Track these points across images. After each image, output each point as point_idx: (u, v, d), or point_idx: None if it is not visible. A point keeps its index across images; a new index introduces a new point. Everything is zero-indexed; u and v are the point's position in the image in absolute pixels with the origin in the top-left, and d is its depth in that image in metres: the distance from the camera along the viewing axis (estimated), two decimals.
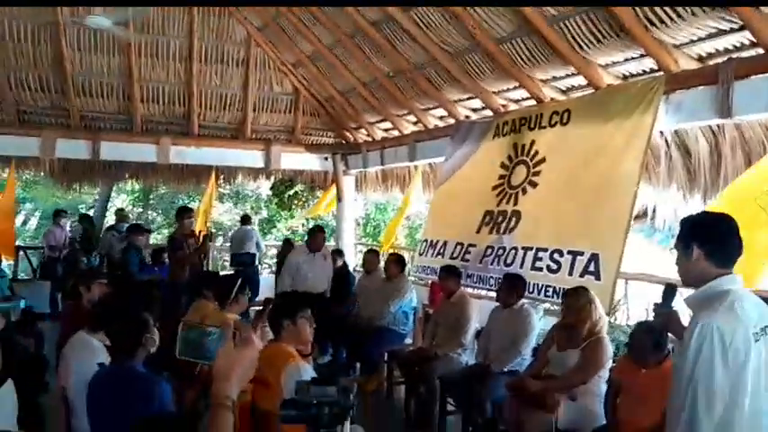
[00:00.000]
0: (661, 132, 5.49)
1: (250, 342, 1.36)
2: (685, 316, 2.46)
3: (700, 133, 5.48)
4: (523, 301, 4.65)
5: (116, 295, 3.77)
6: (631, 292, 6.32)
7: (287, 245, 8.98)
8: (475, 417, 4.47)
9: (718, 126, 5.28)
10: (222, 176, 10.76)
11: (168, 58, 9.07)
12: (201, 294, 4.40)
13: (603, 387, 3.76)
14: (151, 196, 17.88)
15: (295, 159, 10.35)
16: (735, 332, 1.96)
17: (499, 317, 4.66)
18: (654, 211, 8.40)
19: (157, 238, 17.59)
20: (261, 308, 4.19)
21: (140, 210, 18.00)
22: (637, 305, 5.98)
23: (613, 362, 3.92)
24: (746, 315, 2.01)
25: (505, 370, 4.37)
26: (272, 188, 11.59)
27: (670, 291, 2.40)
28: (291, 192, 11.34)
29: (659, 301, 2.43)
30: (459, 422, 4.66)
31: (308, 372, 2.92)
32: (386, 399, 5.37)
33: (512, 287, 4.65)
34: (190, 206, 8.70)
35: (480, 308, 5.18)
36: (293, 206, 11.92)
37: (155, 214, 18.53)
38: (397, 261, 6.14)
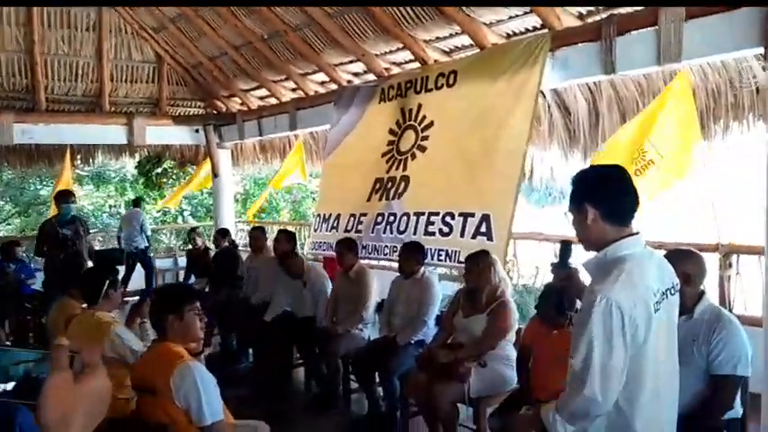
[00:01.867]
0: (542, 92, 5.54)
1: (96, 369, 0.91)
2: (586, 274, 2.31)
3: (579, 92, 5.59)
4: (424, 268, 4.49)
5: None
6: (520, 252, 6.44)
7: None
8: (377, 395, 4.29)
9: (595, 84, 5.42)
10: (79, 156, 9.67)
11: (2, 23, 7.84)
12: (67, 292, 3.81)
13: (512, 350, 3.70)
14: None
15: (162, 133, 9.45)
16: (635, 308, 1.80)
17: (401, 287, 4.48)
18: (531, 170, 8.65)
19: (8, 229, 15.76)
20: (137, 300, 3.71)
21: None
22: (526, 265, 6.09)
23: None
24: (646, 285, 1.87)
25: (412, 341, 4.20)
26: (137, 166, 10.63)
27: (566, 248, 2.26)
28: (159, 169, 10.47)
29: (556, 260, 2.31)
30: (363, 400, 4.46)
31: (201, 372, 2.53)
32: (284, 382, 5.04)
33: (410, 255, 4.47)
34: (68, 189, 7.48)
35: (380, 279, 4.98)
36: (162, 185, 11.05)
37: (1, 202, 16.50)
38: (288, 238, 5.76)
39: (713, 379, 2.55)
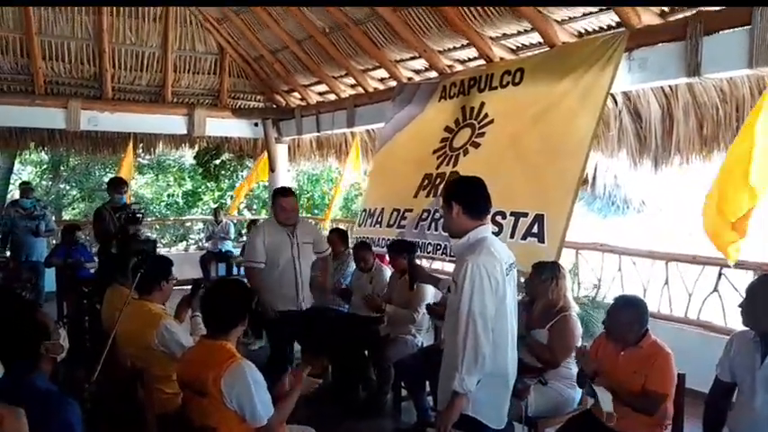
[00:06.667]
0: (612, 96, 5.23)
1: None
2: None
3: (652, 97, 5.26)
4: None
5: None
6: (581, 263, 6.13)
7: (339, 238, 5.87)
8: (426, 404, 4.13)
9: (671, 89, 5.08)
10: (141, 145, 9.85)
11: (72, 10, 8.02)
12: (116, 280, 3.80)
13: (575, 368, 3.45)
14: (62, 167, 16.44)
15: (221, 125, 9.57)
16: (495, 267, 2.47)
17: None
18: (594, 177, 8.25)
19: (73, 213, 16.34)
20: (190, 291, 3.64)
21: (50, 183, 16.52)
22: (588, 276, 5.78)
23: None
24: (500, 254, 2.55)
25: None
26: (195, 157, 10.77)
27: (412, 247, 3.41)
28: (218, 161, 10.55)
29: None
30: (412, 409, 4.29)
31: (253, 372, 2.44)
32: (331, 385, 4.92)
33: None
34: (120, 177, 7.49)
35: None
36: (220, 177, 11.16)
37: (68, 187, 17.10)
38: (340, 236, 5.64)
39: None
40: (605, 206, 12.25)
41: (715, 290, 4.92)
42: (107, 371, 2.97)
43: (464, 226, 2.59)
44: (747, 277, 4.65)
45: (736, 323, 4.75)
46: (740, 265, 4.70)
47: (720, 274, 4.87)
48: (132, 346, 3.16)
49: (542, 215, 4.51)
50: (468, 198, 2.61)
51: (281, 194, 4.52)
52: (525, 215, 4.61)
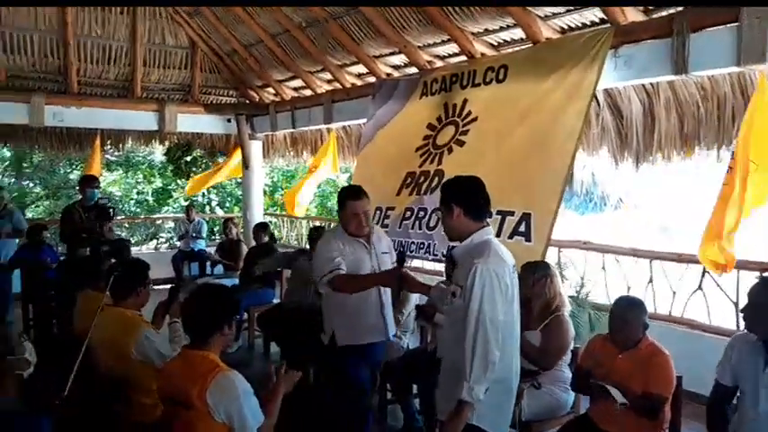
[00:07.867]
0: (594, 95, 5.19)
1: None
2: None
3: (633, 94, 5.24)
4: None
5: None
6: (563, 261, 6.10)
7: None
8: (413, 408, 4.04)
9: (652, 86, 5.06)
10: (109, 141, 9.53)
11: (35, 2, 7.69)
12: (88, 284, 3.60)
13: (568, 372, 3.39)
14: (24, 164, 15.88)
15: (193, 121, 9.29)
16: (504, 272, 2.42)
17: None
18: (572, 175, 8.23)
19: (37, 211, 15.80)
20: (167, 296, 3.46)
21: (12, 180, 15.95)
22: (572, 274, 5.74)
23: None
24: (507, 257, 2.50)
25: None
26: (166, 153, 10.48)
27: (402, 255, 3.10)
28: (189, 158, 10.29)
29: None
30: (398, 412, 4.18)
31: (240, 381, 2.30)
32: (314, 388, 4.78)
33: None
34: (92, 174, 7.27)
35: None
36: (191, 174, 10.88)
37: (31, 184, 16.53)
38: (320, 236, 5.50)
39: None
40: (583, 203, 12.32)
41: (699, 288, 4.92)
42: (81, 382, 2.80)
43: (466, 228, 2.52)
44: (731, 275, 4.67)
45: (720, 321, 4.80)
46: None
47: (705, 272, 4.86)
48: (109, 355, 2.99)
49: (529, 214, 4.47)
50: (468, 200, 2.53)
51: (353, 197, 3.35)
52: (512, 214, 4.56)
